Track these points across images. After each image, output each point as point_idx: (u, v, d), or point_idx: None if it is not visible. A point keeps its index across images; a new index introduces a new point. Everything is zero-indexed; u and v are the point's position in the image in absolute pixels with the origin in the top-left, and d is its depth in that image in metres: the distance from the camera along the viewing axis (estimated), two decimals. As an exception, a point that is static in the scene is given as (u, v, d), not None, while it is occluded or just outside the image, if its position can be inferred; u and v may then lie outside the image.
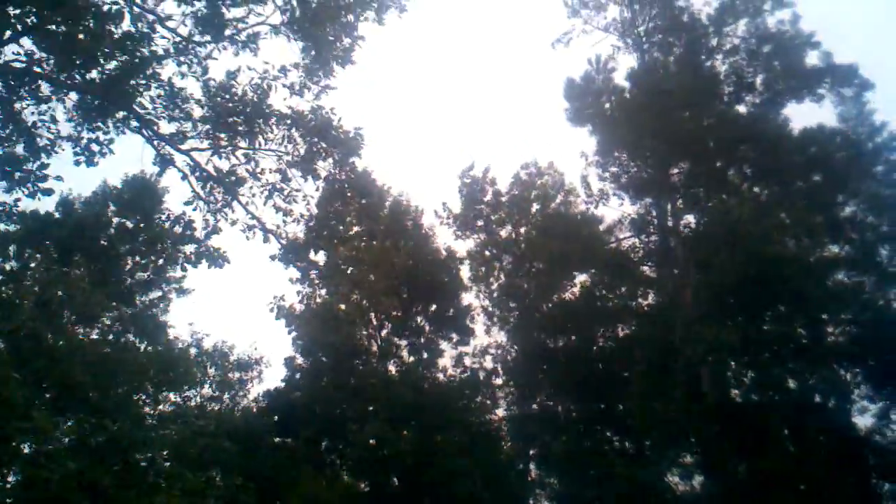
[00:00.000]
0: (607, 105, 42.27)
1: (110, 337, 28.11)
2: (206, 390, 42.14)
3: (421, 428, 39.72)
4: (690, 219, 39.61)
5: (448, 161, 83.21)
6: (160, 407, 27.14)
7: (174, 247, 30.01)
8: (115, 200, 33.67)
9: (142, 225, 32.57)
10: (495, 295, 46.51)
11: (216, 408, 41.42)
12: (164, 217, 25.65)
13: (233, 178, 20.09)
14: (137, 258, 33.65)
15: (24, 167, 16.57)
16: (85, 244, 29.51)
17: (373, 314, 43.85)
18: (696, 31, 39.97)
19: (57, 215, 31.68)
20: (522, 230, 46.96)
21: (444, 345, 44.93)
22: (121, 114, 17.82)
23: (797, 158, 36.68)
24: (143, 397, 25.28)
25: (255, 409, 42.09)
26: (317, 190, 20.72)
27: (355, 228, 23.53)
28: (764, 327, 34.20)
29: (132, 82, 17.06)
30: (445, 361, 44.72)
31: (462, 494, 37.15)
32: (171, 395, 30.25)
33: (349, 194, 20.98)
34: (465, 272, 47.10)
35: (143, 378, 23.51)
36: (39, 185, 16.84)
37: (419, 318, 45.13)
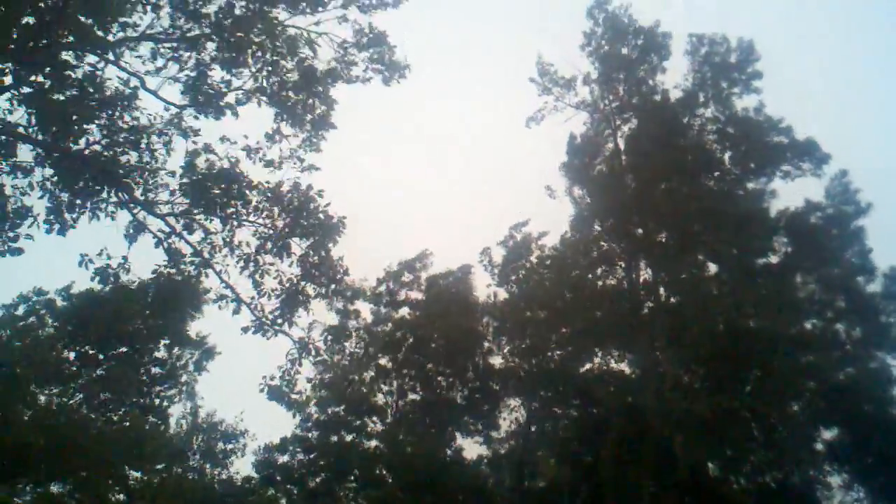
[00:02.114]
0: (602, 168, 42.95)
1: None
2: (192, 462, 41.58)
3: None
4: (663, 291, 39.77)
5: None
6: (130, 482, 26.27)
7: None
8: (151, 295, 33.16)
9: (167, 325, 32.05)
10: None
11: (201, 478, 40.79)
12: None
13: (208, 245, 19.95)
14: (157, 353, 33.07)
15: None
16: (118, 331, 28.86)
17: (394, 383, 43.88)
18: (665, 112, 40.93)
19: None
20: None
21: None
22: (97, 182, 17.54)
23: (764, 235, 37.27)
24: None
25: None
26: (290, 266, 20.59)
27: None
28: (734, 401, 34.21)
29: (117, 155, 16.89)
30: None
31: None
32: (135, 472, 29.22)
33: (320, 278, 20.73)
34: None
35: (101, 453, 22.60)
36: (10, 244, 16.58)
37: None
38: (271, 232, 20.02)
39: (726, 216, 37.46)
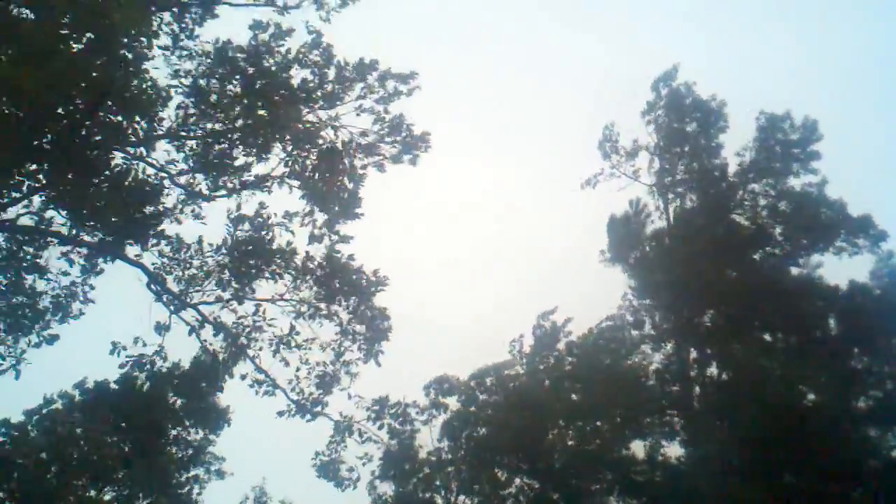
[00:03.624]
0: (636, 252, 42.66)
1: None
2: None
3: None
4: (713, 370, 38.83)
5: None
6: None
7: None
8: (178, 380, 33.69)
9: (194, 405, 32.47)
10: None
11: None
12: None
13: (244, 330, 20.27)
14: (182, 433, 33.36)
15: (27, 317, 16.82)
16: (142, 419, 29.38)
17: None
18: (721, 186, 40.75)
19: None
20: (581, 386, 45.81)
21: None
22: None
23: (818, 311, 36.37)
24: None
25: None
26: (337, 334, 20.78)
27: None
28: (792, 483, 32.81)
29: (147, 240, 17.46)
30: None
31: None
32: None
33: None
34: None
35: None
36: (44, 333, 17.13)
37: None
38: (308, 308, 20.35)
39: (778, 293, 36.72)
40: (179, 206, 18.90)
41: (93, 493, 24.49)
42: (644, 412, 39.84)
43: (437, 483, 44.05)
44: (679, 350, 39.98)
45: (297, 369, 20.84)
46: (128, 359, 19.63)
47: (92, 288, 18.60)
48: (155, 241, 18.09)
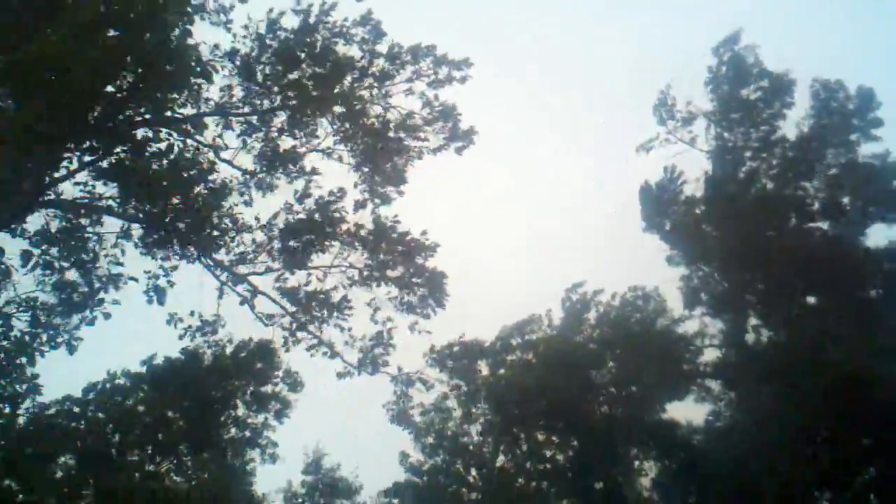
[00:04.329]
0: (683, 217, 41.99)
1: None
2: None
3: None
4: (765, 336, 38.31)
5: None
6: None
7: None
8: (241, 361, 33.96)
9: (252, 388, 32.95)
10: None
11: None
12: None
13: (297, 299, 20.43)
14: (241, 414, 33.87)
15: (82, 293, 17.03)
16: (204, 397, 29.94)
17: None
18: (781, 154, 39.76)
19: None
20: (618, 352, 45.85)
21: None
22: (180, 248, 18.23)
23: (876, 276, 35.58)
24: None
25: None
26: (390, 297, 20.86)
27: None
28: (847, 458, 32.25)
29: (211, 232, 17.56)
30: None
31: None
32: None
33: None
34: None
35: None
36: (97, 309, 17.33)
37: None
38: (363, 273, 20.41)
39: (838, 260, 35.89)
40: (236, 188, 18.96)
41: (152, 466, 24.91)
42: (681, 377, 39.57)
43: (470, 448, 44.72)
44: (722, 315, 39.61)
45: (351, 330, 20.96)
46: (185, 330, 19.83)
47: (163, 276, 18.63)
48: (205, 217, 18.08)
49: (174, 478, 24.62)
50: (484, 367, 45.77)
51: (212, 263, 19.30)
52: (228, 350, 27.17)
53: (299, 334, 21.13)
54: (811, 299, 37.44)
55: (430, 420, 44.91)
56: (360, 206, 20.65)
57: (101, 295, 17.60)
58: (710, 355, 40.97)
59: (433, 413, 44.01)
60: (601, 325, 45.54)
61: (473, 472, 44.24)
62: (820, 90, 40.02)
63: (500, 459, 44.74)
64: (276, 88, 18.80)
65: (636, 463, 42.88)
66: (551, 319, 46.93)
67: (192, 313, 20.24)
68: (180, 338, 20.32)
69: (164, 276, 18.54)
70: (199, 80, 16.88)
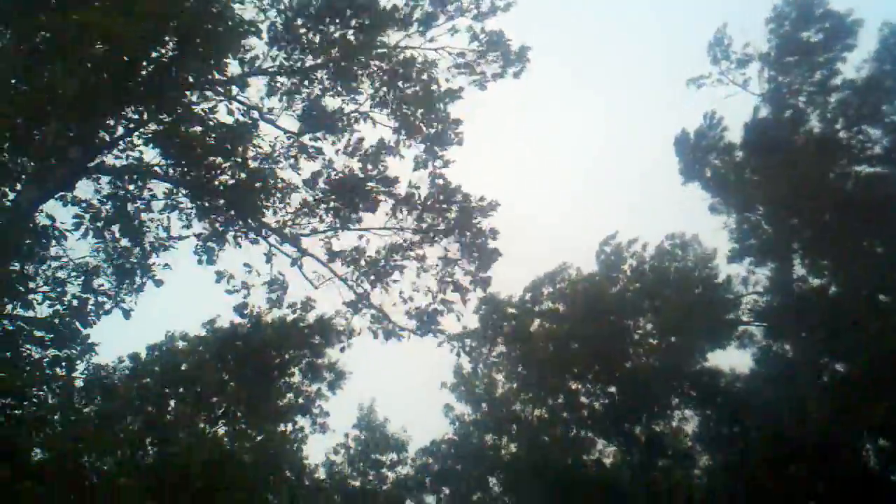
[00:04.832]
0: (717, 162, 41.23)
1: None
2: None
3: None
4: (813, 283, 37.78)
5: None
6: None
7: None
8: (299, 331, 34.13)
9: (309, 359, 33.23)
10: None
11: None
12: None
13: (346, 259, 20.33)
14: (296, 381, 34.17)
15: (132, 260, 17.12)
16: (259, 361, 30.25)
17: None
18: (842, 98, 38.60)
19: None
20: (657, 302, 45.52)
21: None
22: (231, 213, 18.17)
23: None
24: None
25: None
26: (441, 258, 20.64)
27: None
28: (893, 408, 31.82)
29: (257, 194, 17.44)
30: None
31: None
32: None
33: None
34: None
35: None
36: (148, 276, 17.41)
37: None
38: (409, 228, 20.23)
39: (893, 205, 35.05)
40: (281, 151, 18.79)
41: (207, 426, 25.41)
42: (724, 324, 39.32)
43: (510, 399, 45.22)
44: (767, 262, 39.29)
45: (402, 293, 20.84)
46: (234, 288, 19.80)
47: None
48: (251, 179, 17.99)
49: (228, 441, 24.95)
50: (513, 320, 46.00)
51: (259, 226, 19.21)
52: (289, 318, 27.13)
53: (348, 296, 20.96)
54: (862, 246, 36.57)
55: (471, 376, 45.59)
56: (418, 165, 20.34)
57: (152, 260, 17.74)
58: (754, 303, 40.71)
59: (477, 368, 44.46)
60: (638, 275, 45.33)
61: (514, 425, 44.80)
62: (889, 35, 38.55)
63: (538, 411, 45.21)
64: (318, 45, 18.52)
65: (677, 413, 43.00)
66: (581, 271, 47.22)
67: (247, 269, 19.92)
68: (228, 292, 20.02)
69: (212, 239, 18.59)
70: (243, 40, 16.69)
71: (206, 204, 17.68)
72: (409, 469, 47.06)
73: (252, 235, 19.27)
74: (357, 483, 46.17)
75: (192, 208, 17.99)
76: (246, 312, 20.33)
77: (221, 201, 17.97)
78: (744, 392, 39.49)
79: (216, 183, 17.49)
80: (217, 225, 18.61)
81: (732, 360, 50.79)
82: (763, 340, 39.91)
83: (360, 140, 19.64)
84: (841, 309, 34.14)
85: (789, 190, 35.86)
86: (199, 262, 18.56)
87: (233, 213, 18.46)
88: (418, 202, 19.75)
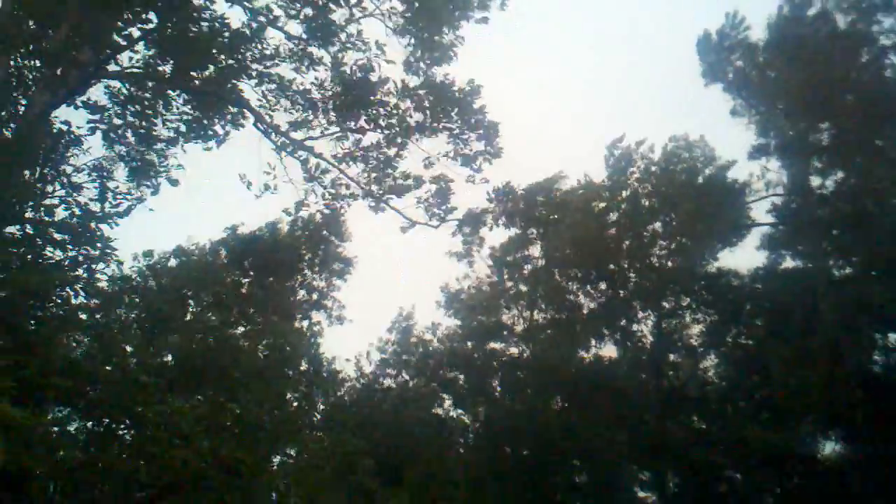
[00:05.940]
0: (740, 63, 40.43)
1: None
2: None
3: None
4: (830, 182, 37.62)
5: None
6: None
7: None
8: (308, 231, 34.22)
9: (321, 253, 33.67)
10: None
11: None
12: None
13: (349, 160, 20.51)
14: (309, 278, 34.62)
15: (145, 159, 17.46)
16: (274, 263, 30.80)
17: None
18: None
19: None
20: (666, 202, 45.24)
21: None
22: (234, 109, 18.30)
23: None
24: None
25: None
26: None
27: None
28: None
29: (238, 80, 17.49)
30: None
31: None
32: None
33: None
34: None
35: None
36: (162, 176, 17.80)
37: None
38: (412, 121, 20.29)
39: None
40: (287, 55, 18.76)
41: (225, 327, 25.95)
42: (735, 224, 39.49)
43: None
44: (786, 160, 39.06)
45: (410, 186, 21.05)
46: (259, 191, 20.01)
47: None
48: (258, 80, 18.10)
49: (244, 339, 25.67)
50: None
51: (266, 128, 19.37)
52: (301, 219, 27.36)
53: (357, 192, 21.21)
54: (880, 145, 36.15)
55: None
56: (408, 65, 20.19)
57: (166, 161, 18.08)
58: (769, 203, 40.54)
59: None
60: (646, 178, 45.05)
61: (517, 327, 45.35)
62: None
63: (539, 315, 45.69)
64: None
65: (688, 313, 43.31)
66: (591, 180, 46.68)
67: (267, 169, 19.95)
68: (248, 186, 20.03)
69: (221, 139, 18.82)
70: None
71: (213, 104, 17.90)
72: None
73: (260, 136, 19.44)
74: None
75: (198, 110, 18.09)
76: (290, 212, 20.87)
77: (228, 102, 18.18)
78: (756, 292, 39.75)
79: (222, 82, 17.69)
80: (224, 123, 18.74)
81: (746, 261, 50.68)
82: (779, 238, 39.97)
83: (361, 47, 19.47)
84: (856, 207, 34.06)
85: (810, 86, 35.26)
86: (196, 139, 18.58)
87: (242, 114, 18.70)
88: (417, 95, 19.73)
